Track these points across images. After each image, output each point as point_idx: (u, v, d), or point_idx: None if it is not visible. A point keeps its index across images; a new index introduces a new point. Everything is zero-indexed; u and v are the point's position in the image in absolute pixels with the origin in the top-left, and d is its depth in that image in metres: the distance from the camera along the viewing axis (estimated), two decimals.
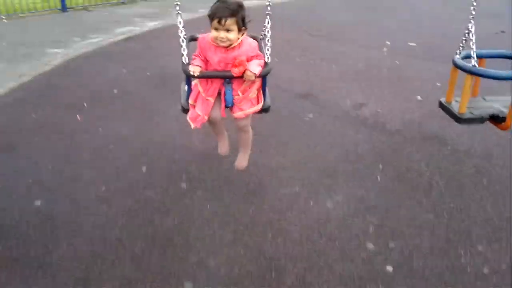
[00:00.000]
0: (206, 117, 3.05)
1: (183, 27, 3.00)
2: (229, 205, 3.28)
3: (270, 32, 3.12)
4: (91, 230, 2.99)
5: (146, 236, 2.94)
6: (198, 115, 3.05)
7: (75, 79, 5.55)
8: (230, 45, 2.88)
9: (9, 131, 4.30)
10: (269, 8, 3.08)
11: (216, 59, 2.93)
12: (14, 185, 3.45)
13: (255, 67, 2.88)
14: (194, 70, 2.87)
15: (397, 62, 6.16)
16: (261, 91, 3.13)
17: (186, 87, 3.11)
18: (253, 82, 2.99)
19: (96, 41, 6.89)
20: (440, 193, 3.44)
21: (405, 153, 4.04)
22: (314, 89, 5.29)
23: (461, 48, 3.36)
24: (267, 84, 3.13)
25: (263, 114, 3.21)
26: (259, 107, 3.10)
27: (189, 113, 3.10)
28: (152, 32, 7.38)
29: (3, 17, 8.21)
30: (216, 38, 2.85)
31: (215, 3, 2.88)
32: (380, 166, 3.81)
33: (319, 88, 5.32)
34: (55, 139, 4.16)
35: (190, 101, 3.10)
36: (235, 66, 2.87)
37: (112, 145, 4.06)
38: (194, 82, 3.09)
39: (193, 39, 3.15)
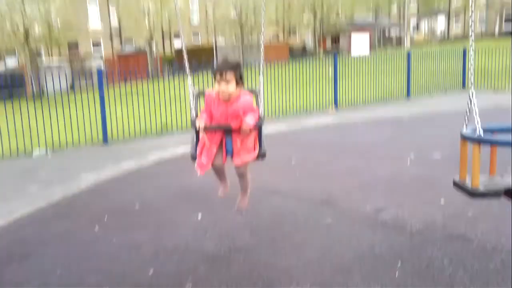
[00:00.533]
0: (210, 165, 3.51)
1: (193, 89, 3.67)
2: None
3: (263, 88, 3.69)
4: None
5: None
6: (203, 164, 3.50)
7: (101, 197, 5.75)
8: (230, 97, 3.38)
9: (28, 242, 4.41)
10: (261, 67, 3.74)
11: (219, 113, 3.45)
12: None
13: (250, 120, 3.37)
14: (200, 124, 3.37)
15: (420, 172, 6.09)
16: (257, 140, 3.57)
17: (194, 138, 3.57)
18: (250, 133, 3.44)
19: (128, 165, 7.24)
20: None
21: (426, 251, 3.82)
22: (333, 197, 5.24)
23: (466, 121, 3.34)
24: (262, 133, 3.56)
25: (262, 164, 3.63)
26: (255, 154, 3.55)
27: (196, 161, 3.54)
28: (183, 157, 7.71)
29: (48, 152, 8.87)
30: (218, 91, 3.38)
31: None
32: (399, 263, 3.61)
33: (338, 196, 5.27)
34: (69, 248, 4.22)
35: (198, 151, 3.55)
36: (233, 119, 3.42)
37: (124, 252, 4.07)
38: (201, 134, 3.54)
39: (200, 93, 3.67)
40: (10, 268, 3.84)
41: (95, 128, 9.83)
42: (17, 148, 8.91)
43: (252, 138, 3.54)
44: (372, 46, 40.65)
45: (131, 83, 14.63)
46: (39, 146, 9.16)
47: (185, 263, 3.82)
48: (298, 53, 22.76)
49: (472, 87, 3.41)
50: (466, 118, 3.43)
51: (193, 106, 3.63)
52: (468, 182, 3.42)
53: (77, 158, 8.26)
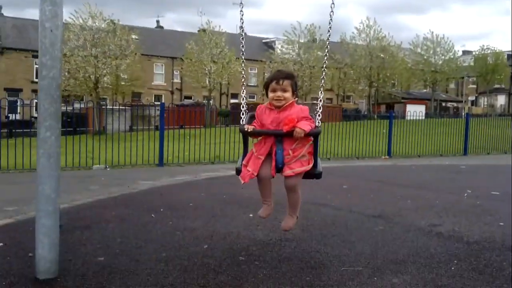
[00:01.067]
0: (255, 173, 3.21)
1: (246, 103, 3.53)
2: (285, 274, 3.15)
3: (322, 101, 3.46)
4: (145, 279, 3.00)
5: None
6: (248, 171, 3.23)
7: (157, 197, 5.95)
8: (284, 105, 3.21)
9: (90, 219, 4.62)
10: (323, 81, 3.55)
11: (269, 120, 3.24)
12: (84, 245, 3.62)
13: (304, 125, 3.12)
14: (248, 127, 3.22)
15: (478, 202, 5.93)
16: (312, 155, 3.30)
17: (242, 152, 3.40)
18: (303, 143, 3.22)
19: (183, 178, 7.49)
20: None
21: (484, 255, 3.69)
22: (386, 213, 5.17)
23: None
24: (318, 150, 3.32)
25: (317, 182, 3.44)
26: (309, 167, 3.25)
27: (242, 171, 3.30)
28: (233, 176, 7.83)
29: (107, 167, 9.32)
30: (272, 98, 3.23)
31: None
32: (455, 261, 3.51)
33: (391, 213, 5.19)
34: (128, 225, 4.39)
35: (244, 162, 3.33)
36: (286, 124, 3.15)
37: (178, 232, 4.18)
38: (250, 143, 3.39)
39: (252, 116, 3.46)
40: (73, 235, 4.00)
41: (152, 155, 10.24)
42: (79, 163, 9.40)
43: (306, 149, 3.27)
44: (427, 115, 40.44)
45: (186, 128, 15.31)
46: (99, 163, 9.62)
47: (238, 244, 3.87)
48: (352, 116, 22.88)
49: None
50: None
51: (243, 117, 3.46)
52: None
53: (135, 172, 8.61)
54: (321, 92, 3.49)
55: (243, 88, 3.59)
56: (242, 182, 3.24)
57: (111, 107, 21.57)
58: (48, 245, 2.98)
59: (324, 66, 3.59)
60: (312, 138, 3.29)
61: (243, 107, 3.51)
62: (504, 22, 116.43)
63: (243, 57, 3.63)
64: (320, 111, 3.40)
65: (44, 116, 2.97)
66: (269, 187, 3.34)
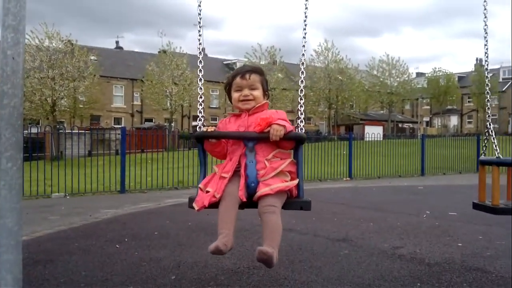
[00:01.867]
0: (217, 195, 2.43)
1: (202, 101, 2.87)
2: None
3: (303, 106, 2.89)
4: None
5: None
6: (206, 193, 2.48)
7: (121, 226, 5.84)
8: (254, 107, 2.59)
9: (52, 252, 4.49)
10: (302, 78, 2.97)
11: (235, 126, 2.58)
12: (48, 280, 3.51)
13: (283, 122, 2.45)
14: (208, 128, 2.55)
15: (437, 223, 6.13)
16: (296, 175, 2.58)
17: (200, 173, 2.68)
18: (283, 154, 2.54)
19: (146, 205, 7.39)
20: None
21: (445, 277, 3.82)
22: (350, 236, 5.27)
23: (484, 149, 3.52)
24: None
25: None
26: (294, 183, 2.52)
27: (197, 194, 2.56)
28: None
29: (67, 195, 9.09)
30: (238, 99, 2.60)
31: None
32: (418, 284, 3.62)
33: (354, 236, 5.30)
34: (92, 257, 4.29)
35: (201, 185, 2.58)
36: (258, 124, 2.46)
37: (145, 262, 4.12)
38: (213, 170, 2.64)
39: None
40: (36, 269, 3.88)
41: (113, 181, 10.07)
42: (37, 191, 9.13)
43: (287, 163, 2.53)
44: (385, 136, 41.53)
45: (147, 152, 15.18)
46: (58, 191, 9.37)
47: (206, 273, 3.85)
48: (312, 137, 23.26)
49: (490, 119, 3.64)
50: (483, 147, 3.62)
51: (199, 121, 2.76)
52: (487, 203, 3.55)
53: (96, 201, 8.43)
54: (301, 98, 2.89)
55: (201, 100, 2.88)
56: (197, 208, 2.49)
57: (69, 131, 21.15)
58: (12, 281, 2.89)
59: (301, 86, 2.95)
60: (294, 148, 2.57)
61: (200, 119, 2.78)
62: (454, 44, 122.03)
63: (200, 74, 3.01)
64: (302, 117, 2.80)
65: (5, 146, 2.90)
66: (235, 217, 2.45)
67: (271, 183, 2.45)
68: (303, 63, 3.00)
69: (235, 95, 2.63)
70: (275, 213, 2.46)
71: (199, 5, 2.93)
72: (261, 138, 2.46)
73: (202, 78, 2.98)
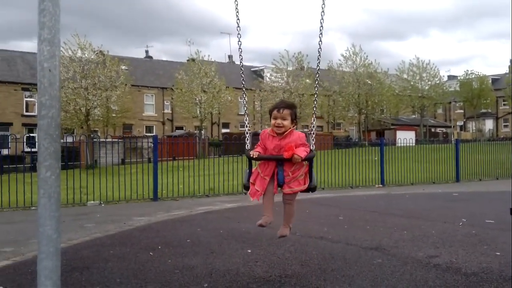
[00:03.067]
0: (263, 192, 3.68)
1: (248, 123, 4.05)
2: None
3: (315, 127, 4.00)
4: None
5: None
6: (256, 191, 3.71)
7: (154, 234, 5.93)
8: (284, 132, 3.67)
9: (88, 259, 4.59)
10: (314, 108, 4.23)
11: (272, 146, 3.71)
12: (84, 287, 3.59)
13: (301, 152, 3.62)
14: (253, 153, 3.68)
15: (474, 231, 5.98)
16: (307, 174, 3.78)
17: (248, 170, 3.86)
18: (301, 165, 3.70)
19: (178, 213, 7.48)
20: None
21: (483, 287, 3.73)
22: (383, 245, 5.20)
23: None
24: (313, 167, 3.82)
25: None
26: (305, 186, 3.76)
27: (250, 190, 3.78)
28: (229, 209, 7.94)
29: (102, 203, 9.29)
30: (273, 125, 3.69)
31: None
32: None
33: (388, 244, 5.23)
34: (126, 264, 4.37)
35: (251, 180, 3.79)
36: (286, 151, 3.62)
37: (177, 270, 4.17)
38: (254, 167, 3.83)
39: (255, 134, 3.96)
40: (73, 276, 3.99)
41: (146, 188, 10.23)
42: (74, 199, 9.35)
43: (303, 170, 3.76)
44: (418, 142, 40.85)
45: (178, 159, 15.38)
46: (93, 199, 9.58)
47: (238, 281, 3.87)
48: (343, 143, 23.09)
49: None
50: None
51: (248, 142, 3.88)
52: None
53: (129, 208, 8.59)
54: (314, 120, 4.11)
55: (246, 116, 4.06)
56: (252, 199, 3.74)
57: (103, 139, 21.61)
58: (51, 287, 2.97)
59: (316, 91, 4.11)
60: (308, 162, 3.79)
61: (246, 133, 3.93)
62: (484, 46, 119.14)
63: (244, 88, 4.10)
64: (313, 136, 3.91)
65: (44, 156, 2.99)
66: (272, 201, 3.75)
67: (292, 186, 3.75)
68: (318, 67, 4.04)
69: (272, 121, 3.74)
70: (291, 204, 3.84)
71: (239, 44, 4.18)
72: (287, 160, 3.67)
73: (248, 115, 4.12)
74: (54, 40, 3.01)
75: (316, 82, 4.10)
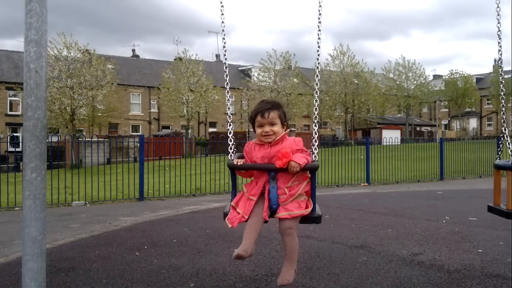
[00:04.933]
0: (246, 216, 2.82)
1: (232, 136, 3.19)
2: None
3: (317, 133, 3.18)
4: None
5: None
6: (237, 213, 2.86)
7: (140, 234, 5.92)
8: (275, 140, 2.87)
9: (73, 259, 4.57)
10: (316, 111, 3.30)
11: (260, 155, 2.88)
12: None
13: (299, 158, 2.75)
14: (238, 161, 2.89)
15: (456, 229, 6.07)
16: (310, 196, 2.94)
17: (231, 191, 3.09)
18: (300, 180, 2.87)
19: (164, 213, 7.47)
20: None
21: (465, 284, 3.79)
22: (368, 243, 5.26)
23: (500, 153, 3.50)
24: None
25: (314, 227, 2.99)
26: (307, 211, 2.87)
27: (229, 213, 2.93)
28: (215, 209, 7.94)
29: (87, 203, 9.23)
30: (260, 134, 2.88)
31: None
32: None
33: (373, 242, 5.29)
34: (112, 265, 4.36)
35: (232, 203, 2.94)
36: (279, 158, 2.76)
37: (164, 270, 4.17)
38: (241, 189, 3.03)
39: (240, 157, 3.04)
40: (58, 277, 3.97)
41: (132, 188, 10.19)
42: (58, 199, 9.28)
43: (303, 188, 2.89)
44: (403, 140, 41.21)
45: (165, 159, 15.32)
46: (78, 199, 9.52)
47: (225, 281, 3.88)
48: (329, 142, 23.22)
49: (505, 124, 3.62)
50: (498, 151, 3.60)
51: (231, 151, 3.12)
52: (502, 206, 3.53)
53: (115, 208, 8.54)
54: (315, 124, 3.21)
55: (229, 120, 3.49)
56: (230, 226, 2.86)
57: (88, 139, 21.43)
58: None
59: (317, 92, 3.35)
60: (309, 174, 2.91)
61: (230, 140, 3.16)
62: (465, 46, 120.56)
63: (227, 87, 3.37)
64: (316, 144, 3.09)
65: (30, 157, 2.97)
66: (258, 229, 2.82)
67: (290, 208, 2.83)
68: (318, 67, 3.44)
69: (258, 130, 2.92)
70: (293, 235, 2.86)
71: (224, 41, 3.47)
72: (281, 171, 2.81)
73: (232, 124, 3.40)
74: (41, 41, 2.98)
75: (317, 87, 3.37)
